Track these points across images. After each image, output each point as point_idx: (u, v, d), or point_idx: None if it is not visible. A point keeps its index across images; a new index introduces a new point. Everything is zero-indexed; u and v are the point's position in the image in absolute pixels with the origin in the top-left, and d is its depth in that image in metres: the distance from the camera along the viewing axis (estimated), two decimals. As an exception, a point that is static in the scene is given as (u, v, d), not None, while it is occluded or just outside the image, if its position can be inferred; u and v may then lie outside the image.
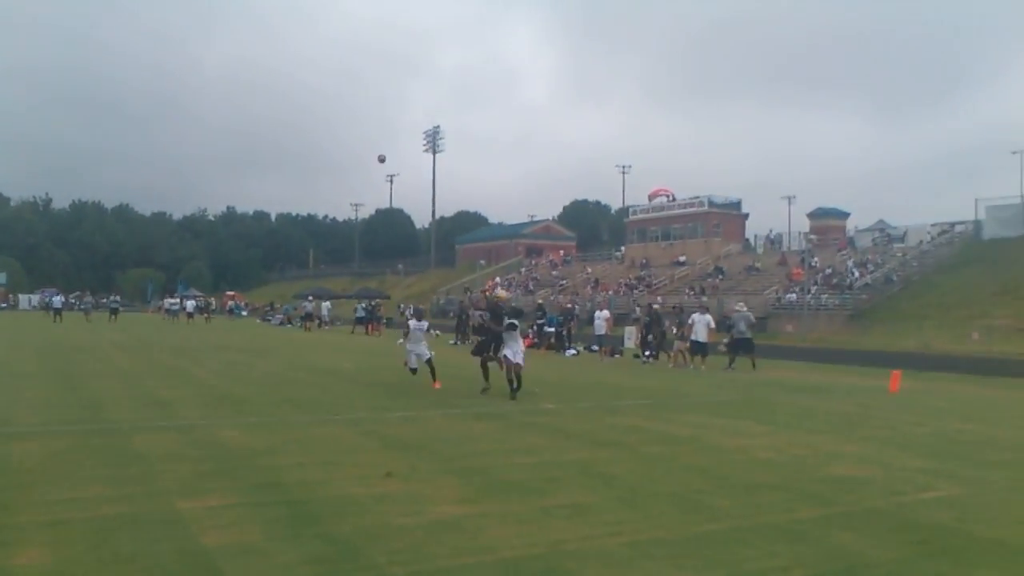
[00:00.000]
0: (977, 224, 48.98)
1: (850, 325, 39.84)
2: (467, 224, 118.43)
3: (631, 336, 30.78)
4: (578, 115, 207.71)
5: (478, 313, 31.41)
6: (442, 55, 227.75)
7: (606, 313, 30.43)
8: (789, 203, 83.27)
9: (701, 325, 22.69)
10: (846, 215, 65.85)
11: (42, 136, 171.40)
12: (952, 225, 51.23)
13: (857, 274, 45.93)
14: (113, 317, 50.92)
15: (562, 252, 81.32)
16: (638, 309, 31.61)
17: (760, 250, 61.73)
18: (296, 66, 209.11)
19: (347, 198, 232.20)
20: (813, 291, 43.92)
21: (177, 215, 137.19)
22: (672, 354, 24.12)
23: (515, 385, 14.02)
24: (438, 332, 31.63)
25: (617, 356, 27.78)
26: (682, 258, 61.33)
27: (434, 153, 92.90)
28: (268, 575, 4.73)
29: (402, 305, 50.51)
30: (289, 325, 54.14)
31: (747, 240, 66.10)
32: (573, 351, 29.07)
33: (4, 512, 5.97)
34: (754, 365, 22.57)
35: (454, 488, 7.08)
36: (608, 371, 22.09)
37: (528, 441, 9.77)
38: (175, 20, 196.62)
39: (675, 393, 16.46)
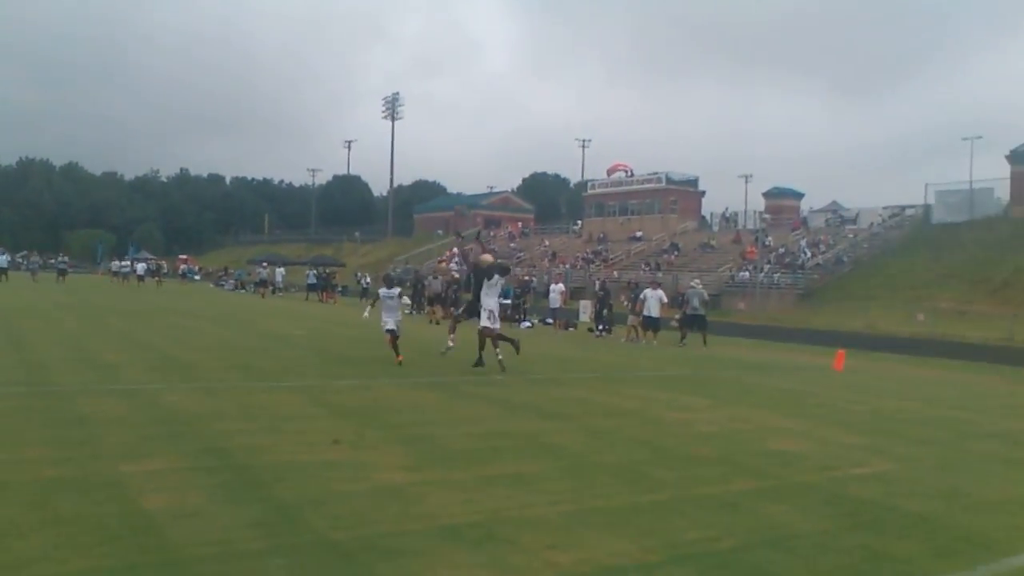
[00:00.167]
0: (926, 208, 49.97)
1: (800, 304, 40.53)
2: (425, 193, 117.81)
3: (586, 310, 31.05)
4: (539, 87, 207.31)
5: (437, 281, 31.57)
6: (404, 22, 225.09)
7: (561, 287, 30.61)
8: (746, 182, 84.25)
9: (653, 300, 22.98)
10: (801, 195, 66.75)
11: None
12: (903, 209, 52.21)
13: (809, 254, 46.68)
14: (61, 278, 49.96)
15: (520, 224, 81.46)
16: (597, 283, 31.85)
17: (716, 228, 62.40)
18: (253, 27, 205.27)
19: (304, 163, 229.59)
20: (766, 270, 44.58)
21: (129, 175, 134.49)
22: (625, 328, 24.40)
23: (482, 350, 14.19)
24: (407, 302, 31.39)
25: (571, 329, 28.03)
26: (639, 233, 61.75)
27: (393, 120, 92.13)
28: (209, 538, 4.76)
29: (359, 273, 50.31)
30: (242, 291, 53.62)
31: (703, 217, 66.78)
32: (528, 323, 29.26)
33: (-59, 472, 5.91)
34: (705, 341, 22.93)
35: (399, 456, 7.15)
36: (561, 344, 22.28)
37: (476, 411, 9.88)
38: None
39: (625, 367, 16.69)
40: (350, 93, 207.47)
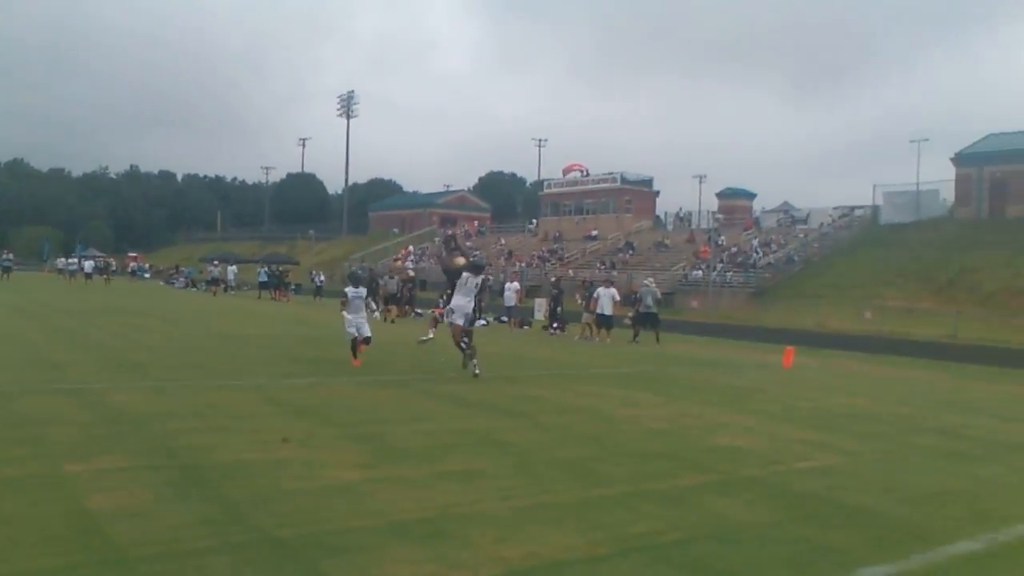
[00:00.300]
0: (875, 209, 51.01)
1: (752, 302, 41.14)
2: (381, 191, 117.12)
3: (541, 308, 31.17)
4: (496, 87, 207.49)
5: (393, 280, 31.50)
6: (360, 19, 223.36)
7: (516, 285, 30.73)
8: (700, 182, 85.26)
9: (606, 298, 23.17)
10: (753, 196, 67.69)
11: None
12: (852, 209, 53.21)
13: (761, 253, 47.37)
14: (5, 276, 48.85)
15: (476, 223, 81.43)
16: (553, 280, 32.00)
17: (670, 227, 63.09)
18: (206, 22, 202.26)
19: (258, 161, 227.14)
20: (719, 268, 45.16)
21: (77, 172, 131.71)
22: (580, 326, 24.56)
23: (466, 350, 13.38)
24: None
25: (526, 327, 28.13)
26: (594, 232, 62.12)
27: (348, 118, 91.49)
28: (154, 537, 4.71)
29: (314, 271, 49.86)
30: (193, 289, 52.87)
31: (658, 217, 67.45)
32: (483, 321, 29.21)
33: None
34: (658, 339, 23.18)
35: (350, 454, 7.14)
36: (515, 342, 22.36)
37: (428, 409, 9.89)
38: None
39: (578, 364, 16.80)
40: (305, 90, 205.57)
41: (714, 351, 22.40)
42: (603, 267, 49.51)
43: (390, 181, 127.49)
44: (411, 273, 42.86)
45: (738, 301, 41.72)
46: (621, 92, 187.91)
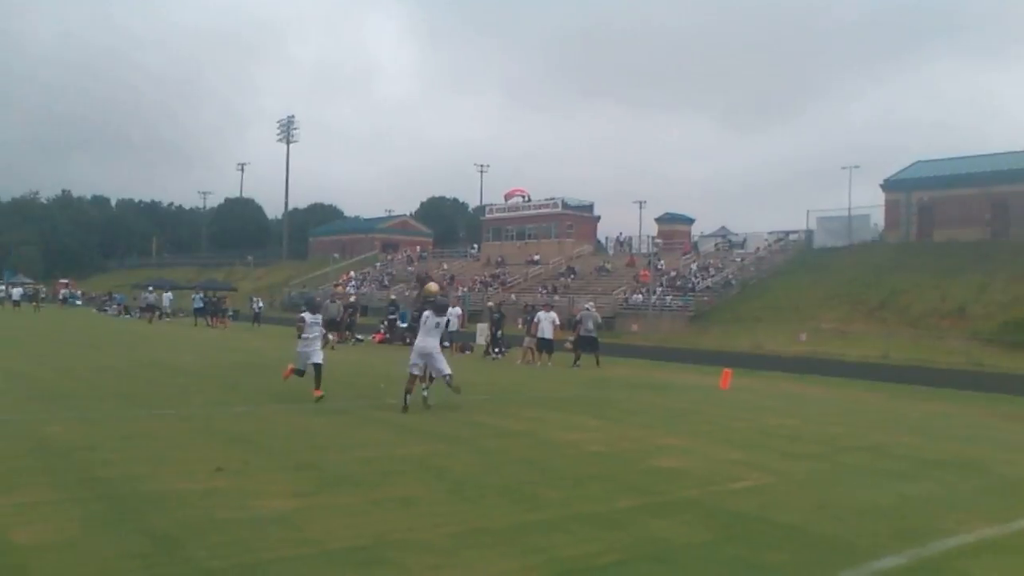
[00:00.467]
0: (809, 234, 52.19)
1: (691, 325, 41.67)
2: (322, 216, 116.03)
3: (483, 333, 31.14)
4: (438, 113, 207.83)
5: (337, 305, 31.20)
6: (301, 44, 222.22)
7: (458, 310, 30.68)
8: (640, 207, 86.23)
9: (546, 323, 23.28)
10: (691, 221, 68.73)
11: None
12: (787, 234, 54.35)
13: (699, 277, 48.08)
14: (-72, 304, 47.14)
15: (418, 248, 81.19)
16: (491, 305, 32.03)
17: (611, 252, 63.67)
18: (142, 45, 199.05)
19: (195, 185, 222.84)
20: (658, 292, 45.67)
21: (5, 197, 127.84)
22: (521, 351, 24.60)
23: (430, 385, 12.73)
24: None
25: (468, 352, 28.07)
26: (536, 257, 62.41)
27: (288, 143, 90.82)
28: (81, 570, 4.59)
29: (254, 297, 49.14)
30: (127, 316, 51.64)
31: (599, 242, 68.06)
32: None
33: None
34: (598, 362, 23.32)
35: (285, 483, 7.05)
36: (457, 367, 22.16)
37: (366, 436, 9.81)
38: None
39: (519, 389, 16.84)
40: (244, 115, 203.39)
41: (654, 374, 22.64)
42: (545, 291, 49.72)
43: (331, 206, 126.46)
44: (352, 298, 42.56)
45: (677, 324, 42.23)
46: (562, 119, 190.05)
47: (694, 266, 50.82)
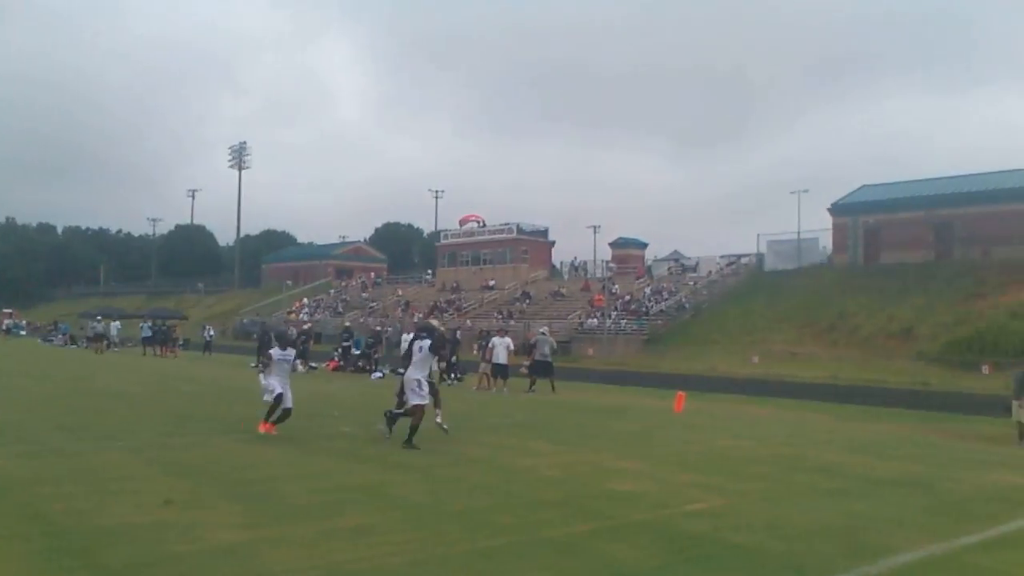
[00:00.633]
0: (759, 257, 53.06)
1: (646, 349, 42.00)
2: (274, 243, 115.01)
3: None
4: (392, 138, 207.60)
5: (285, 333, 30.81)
6: (252, 70, 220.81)
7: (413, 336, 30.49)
8: (594, 232, 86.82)
9: (501, 348, 23.27)
10: (645, 245, 69.42)
11: None
12: (738, 257, 55.19)
13: (653, 301, 48.53)
14: None
15: (373, 274, 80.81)
16: (444, 330, 31.94)
17: (566, 276, 64.03)
18: (89, 69, 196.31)
19: (144, 212, 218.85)
20: (613, 316, 46.00)
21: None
22: (477, 376, 24.54)
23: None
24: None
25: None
26: (491, 282, 62.50)
27: (240, 169, 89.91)
28: (21, 611, 4.47)
29: (205, 326, 48.37)
30: (74, 346, 50.50)
31: (554, 266, 68.44)
32: (379, 374, 28.94)
33: None
34: (553, 387, 23.33)
35: (236, 514, 6.94)
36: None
37: (319, 465, 9.70)
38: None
39: (475, 415, 16.76)
40: (195, 141, 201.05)
41: (609, 398, 22.72)
42: (500, 317, 49.78)
43: (284, 232, 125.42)
44: (306, 325, 42.16)
45: (632, 348, 42.53)
46: (517, 145, 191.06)
47: (648, 290, 51.31)
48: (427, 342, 11.87)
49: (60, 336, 55.61)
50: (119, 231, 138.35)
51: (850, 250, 48.42)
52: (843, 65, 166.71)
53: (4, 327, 68.85)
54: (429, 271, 75.99)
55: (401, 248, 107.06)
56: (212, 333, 45.11)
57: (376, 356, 30.80)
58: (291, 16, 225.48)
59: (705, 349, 38.09)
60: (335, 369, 31.22)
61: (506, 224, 68.43)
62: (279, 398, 11.67)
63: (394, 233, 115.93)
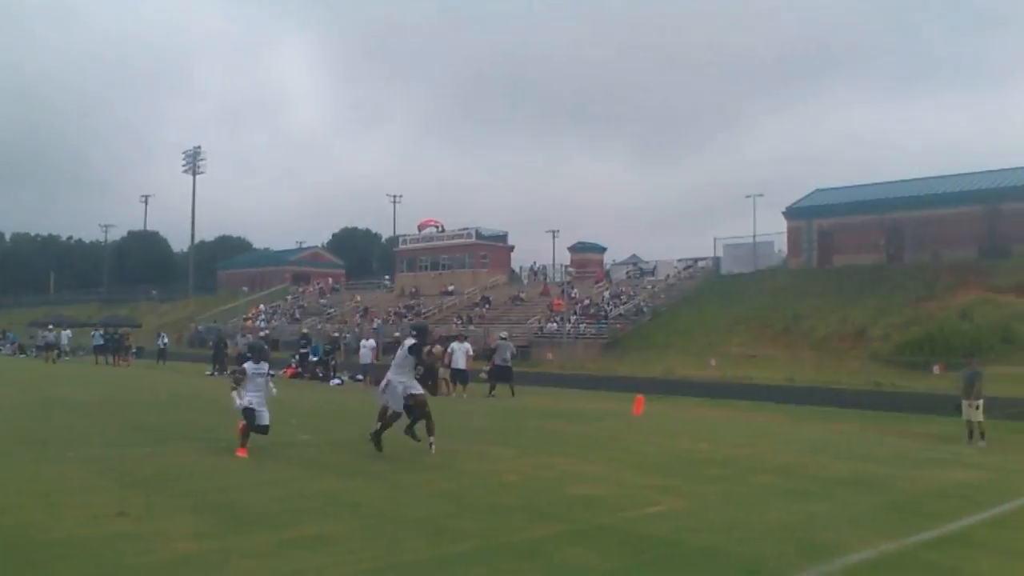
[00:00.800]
0: (716, 260, 53.61)
1: (605, 353, 42.17)
2: (230, 249, 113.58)
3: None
4: (349, 143, 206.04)
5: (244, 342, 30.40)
6: (206, 74, 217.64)
7: (372, 342, 30.34)
8: (553, 237, 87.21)
9: (460, 353, 23.27)
10: (603, 250, 69.78)
11: None
12: (695, 261, 55.68)
13: (612, 305, 48.78)
14: None
15: (330, 280, 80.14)
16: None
17: (525, 281, 64.09)
18: (38, 71, 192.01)
19: (96, 219, 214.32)
20: (572, 321, 46.14)
21: None
22: (436, 382, 24.47)
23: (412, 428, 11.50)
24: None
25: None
26: (451, 287, 62.34)
27: (194, 175, 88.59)
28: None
29: (160, 333, 47.60)
30: (23, 355, 49.40)
31: (513, 271, 68.44)
32: (338, 380, 28.76)
33: None
34: (513, 392, 23.38)
35: (193, 524, 6.84)
36: (371, 401, 21.99)
37: (278, 473, 9.60)
38: None
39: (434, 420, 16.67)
40: (148, 145, 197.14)
41: (569, 402, 22.79)
42: (460, 322, 49.67)
43: (239, 238, 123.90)
44: (263, 332, 41.71)
45: (592, 352, 42.69)
46: (475, 149, 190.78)
47: (607, 294, 51.54)
48: (409, 342, 11.40)
49: (8, 346, 54.36)
50: (70, 237, 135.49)
51: (804, 253, 49.13)
52: (796, 71, 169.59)
53: (-50, 337, 67.09)
54: (387, 277, 75.62)
55: (359, 254, 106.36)
56: (166, 341, 44.43)
57: (333, 363, 30.56)
58: (247, 19, 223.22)
59: (663, 352, 38.34)
60: (292, 376, 30.93)
61: (465, 229, 68.36)
62: (249, 415, 10.98)
63: (352, 238, 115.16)
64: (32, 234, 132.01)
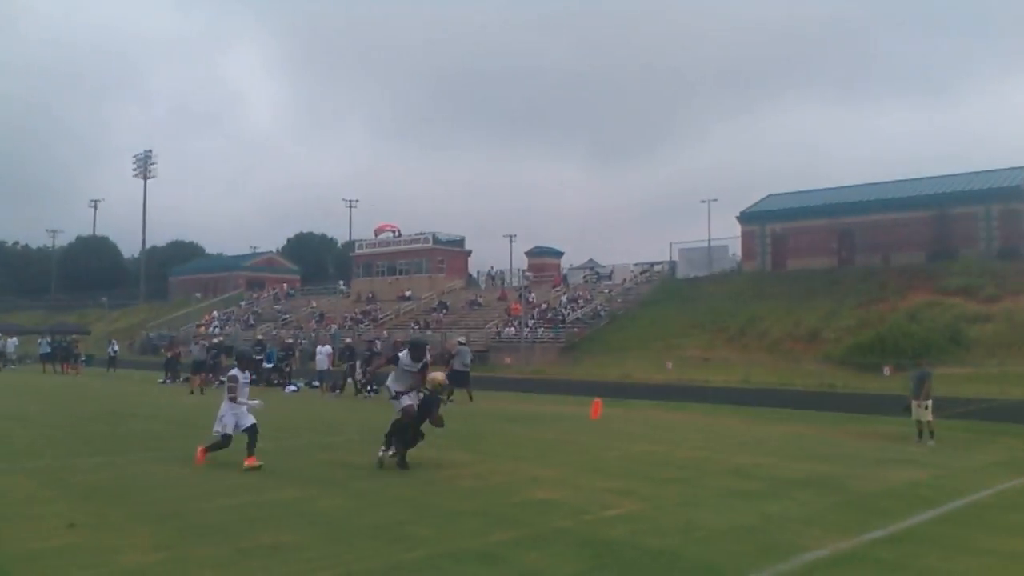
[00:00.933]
0: (672, 264, 54.14)
1: (563, 357, 42.32)
2: (182, 254, 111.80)
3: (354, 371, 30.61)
4: (304, 147, 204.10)
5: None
6: (156, 78, 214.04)
7: (328, 348, 30.04)
8: (510, 241, 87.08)
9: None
10: (561, 254, 70.11)
11: None
12: (652, 265, 56.17)
13: (569, 309, 48.97)
14: None
15: (286, 285, 79.33)
16: (365, 343, 31.64)
17: (483, 286, 64.08)
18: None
19: (43, 224, 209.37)
20: (530, 325, 46.23)
21: None
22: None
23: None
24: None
25: (339, 392, 27.51)
26: (408, 292, 62.09)
27: (145, 179, 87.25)
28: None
29: (111, 340, 46.71)
30: (-32, 365, 48.11)
31: (470, 276, 68.38)
32: (294, 387, 28.44)
33: None
34: (471, 397, 23.32)
35: (147, 535, 6.72)
36: (328, 407, 21.84)
37: (233, 482, 9.46)
38: None
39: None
40: (97, 149, 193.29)
41: (527, 406, 22.80)
42: (417, 327, 49.48)
43: (192, 243, 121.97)
44: (216, 339, 41.11)
45: (549, 356, 42.82)
46: (432, 154, 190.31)
47: (564, 298, 51.74)
48: (404, 352, 11.20)
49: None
50: (16, 243, 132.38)
51: (758, 257, 49.83)
52: (748, 78, 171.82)
53: None
54: (343, 282, 75.08)
55: (315, 259, 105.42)
56: (117, 348, 43.61)
57: (288, 369, 30.21)
58: (200, 21, 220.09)
59: (621, 356, 38.58)
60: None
61: (422, 234, 68.17)
62: (252, 428, 10.67)
63: (307, 243, 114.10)
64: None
